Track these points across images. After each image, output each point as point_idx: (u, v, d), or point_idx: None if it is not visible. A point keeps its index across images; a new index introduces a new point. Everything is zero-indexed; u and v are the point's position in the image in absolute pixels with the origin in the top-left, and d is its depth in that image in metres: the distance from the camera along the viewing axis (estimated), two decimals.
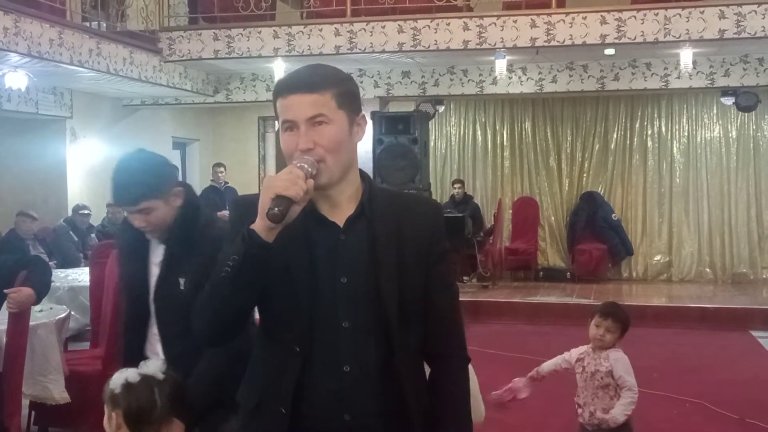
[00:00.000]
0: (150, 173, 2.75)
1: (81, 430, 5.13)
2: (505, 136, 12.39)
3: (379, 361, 1.87)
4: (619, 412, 3.78)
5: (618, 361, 3.84)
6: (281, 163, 13.41)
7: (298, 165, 1.76)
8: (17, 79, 8.35)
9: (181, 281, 2.68)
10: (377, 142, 9.94)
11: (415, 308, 1.91)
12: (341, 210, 1.90)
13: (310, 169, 1.77)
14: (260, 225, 1.73)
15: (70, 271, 7.73)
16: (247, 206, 1.82)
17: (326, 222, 1.89)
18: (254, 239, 1.73)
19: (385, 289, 1.86)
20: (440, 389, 1.96)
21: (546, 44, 8.89)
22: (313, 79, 1.85)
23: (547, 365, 4.08)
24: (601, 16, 8.73)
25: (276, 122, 13.11)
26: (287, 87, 1.85)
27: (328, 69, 1.91)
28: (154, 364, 2.40)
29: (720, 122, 11.74)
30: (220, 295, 1.80)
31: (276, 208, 1.70)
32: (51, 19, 7.98)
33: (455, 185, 11.75)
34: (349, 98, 1.87)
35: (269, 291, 1.83)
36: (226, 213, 10.75)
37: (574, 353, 4.00)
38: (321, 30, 9.32)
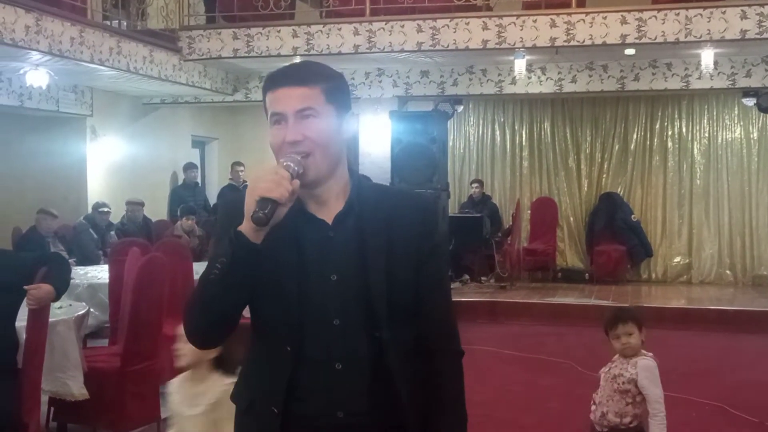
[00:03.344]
0: None
1: (99, 426, 5.17)
2: (524, 136, 12.34)
3: (370, 358, 1.86)
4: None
5: (645, 369, 3.76)
6: None
7: (285, 164, 1.76)
8: (38, 77, 8.41)
9: None
10: (395, 141, 9.93)
11: (406, 304, 1.90)
12: (330, 207, 1.89)
13: (296, 168, 1.76)
14: (247, 227, 1.72)
15: (89, 268, 7.77)
16: (235, 206, 1.81)
17: (315, 220, 1.88)
18: (241, 241, 1.72)
19: (375, 285, 1.85)
20: (434, 385, 1.95)
21: (566, 44, 8.85)
22: (303, 73, 1.85)
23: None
24: (622, 15, 8.68)
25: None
26: (276, 80, 1.84)
27: (317, 65, 1.91)
28: None
29: (741, 123, 11.64)
30: (209, 297, 1.80)
31: (260, 212, 1.68)
32: (72, 18, 8.04)
33: (473, 185, 11.73)
34: (338, 94, 1.86)
35: (259, 291, 1.82)
36: None
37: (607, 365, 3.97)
38: (340, 29, 9.33)
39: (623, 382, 3.79)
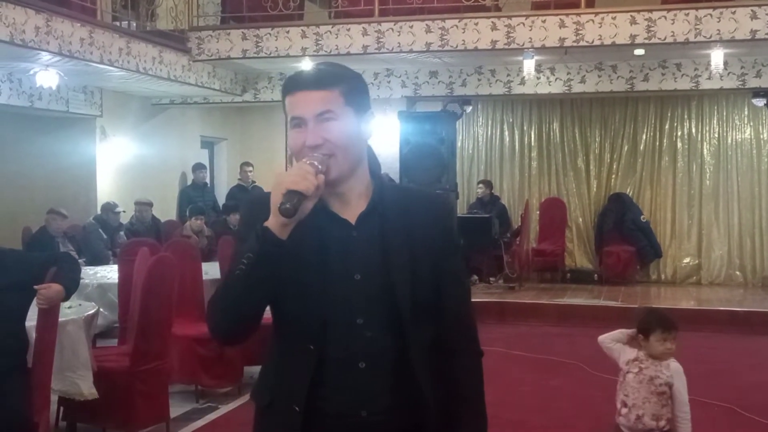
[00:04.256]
0: None
1: (109, 425, 5.18)
2: (532, 136, 12.32)
3: (393, 357, 1.88)
4: None
5: (679, 374, 3.82)
6: None
7: (309, 162, 1.77)
8: (48, 78, 8.44)
9: None
10: (404, 142, 9.92)
11: (428, 303, 1.92)
12: (352, 207, 1.91)
13: (320, 167, 1.77)
14: (274, 222, 1.73)
15: (99, 268, 7.79)
16: (259, 204, 1.83)
17: (338, 219, 1.90)
18: (268, 237, 1.73)
19: (398, 284, 1.87)
20: (454, 384, 1.97)
21: (575, 44, 8.84)
22: (321, 76, 1.86)
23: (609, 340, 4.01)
24: (631, 16, 8.66)
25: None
26: (295, 84, 1.86)
27: (336, 67, 1.92)
28: None
29: (751, 124, 11.60)
30: (234, 293, 1.80)
31: (288, 203, 1.70)
32: (82, 19, 8.07)
33: (479, 186, 11.69)
34: (357, 95, 1.88)
35: (282, 289, 1.83)
36: None
37: (628, 352, 3.93)
38: (349, 30, 9.33)
39: (660, 384, 3.80)
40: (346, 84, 1.86)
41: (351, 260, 1.87)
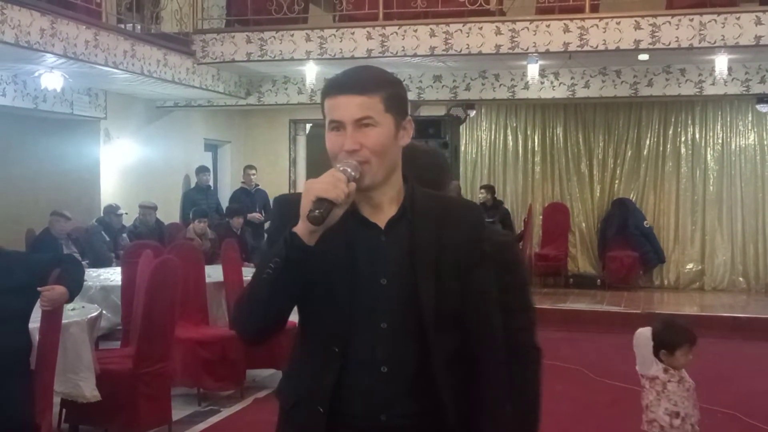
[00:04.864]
0: None
1: (111, 428, 5.18)
2: (536, 141, 12.33)
3: (416, 363, 1.88)
4: None
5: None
6: (311, 166, 13.42)
7: (341, 168, 1.77)
8: (53, 80, 8.45)
9: None
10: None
11: (452, 311, 1.91)
12: (383, 212, 1.91)
13: (352, 173, 1.77)
14: (302, 228, 1.74)
15: (102, 270, 7.79)
16: (289, 205, 1.84)
17: (368, 223, 1.90)
18: (296, 243, 1.74)
19: (424, 291, 1.87)
20: (476, 392, 1.96)
21: (579, 49, 8.83)
22: (363, 80, 1.86)
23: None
24: (635, 21, 8.66)
25: (307, 125, 13.18)
26: (336, 87, 1.86)
27: (378, 71, 1.92)
28: None
29: (755, 130, 11.60)
30: (260, 295, 1.82)
31: (317, 211, 1.70)
32: (87, 21, 8.07)
33: (480, 191, 11.66)
34: (396, 102, 1.88)
35: (309, 291, 1.84)
36: (256, 215, 10.83)
37: (657, 366, 3.93)
38: (353, 33, 9.34)
39: (694, 390, 3.91)
40: (387, 90, 1.86)
41: (378, 265, 1.88)
